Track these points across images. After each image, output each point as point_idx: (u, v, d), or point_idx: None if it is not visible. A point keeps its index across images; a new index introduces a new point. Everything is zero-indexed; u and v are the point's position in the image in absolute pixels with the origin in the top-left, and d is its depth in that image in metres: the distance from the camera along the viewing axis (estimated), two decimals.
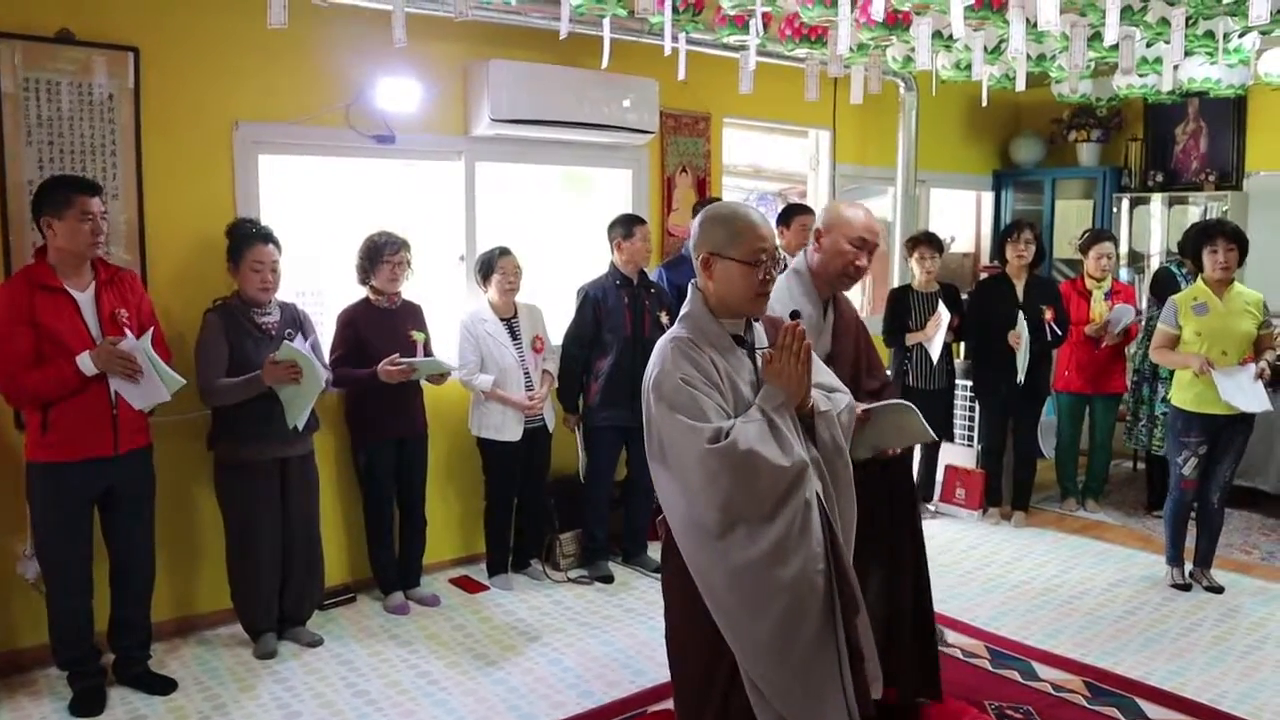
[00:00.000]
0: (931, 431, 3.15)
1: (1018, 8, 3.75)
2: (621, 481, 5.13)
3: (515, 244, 4.76)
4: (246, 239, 3.94)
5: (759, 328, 2.53)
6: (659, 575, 4.87)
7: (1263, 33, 4.31)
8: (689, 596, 2.38)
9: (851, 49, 4.64)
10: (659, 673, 3.87)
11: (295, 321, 4.09)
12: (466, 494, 5.03)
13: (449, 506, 5.01)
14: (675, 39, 4.24)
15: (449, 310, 4.92)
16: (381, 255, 4.35)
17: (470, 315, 4.70)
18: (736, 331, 2.44)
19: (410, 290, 4.54)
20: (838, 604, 2.31)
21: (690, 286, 2.48)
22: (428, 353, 4.47)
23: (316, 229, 4.67)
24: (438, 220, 5.04)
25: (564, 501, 5.08)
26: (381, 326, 4.38)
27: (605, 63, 4.14)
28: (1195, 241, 4.77)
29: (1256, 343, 4.61)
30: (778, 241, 5.32)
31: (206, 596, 4.32)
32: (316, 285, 4.69)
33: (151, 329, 3.58)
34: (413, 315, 4.52)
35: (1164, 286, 5.70)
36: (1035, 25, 3.94)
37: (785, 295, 3.14)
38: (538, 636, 4.31)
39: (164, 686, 3.77)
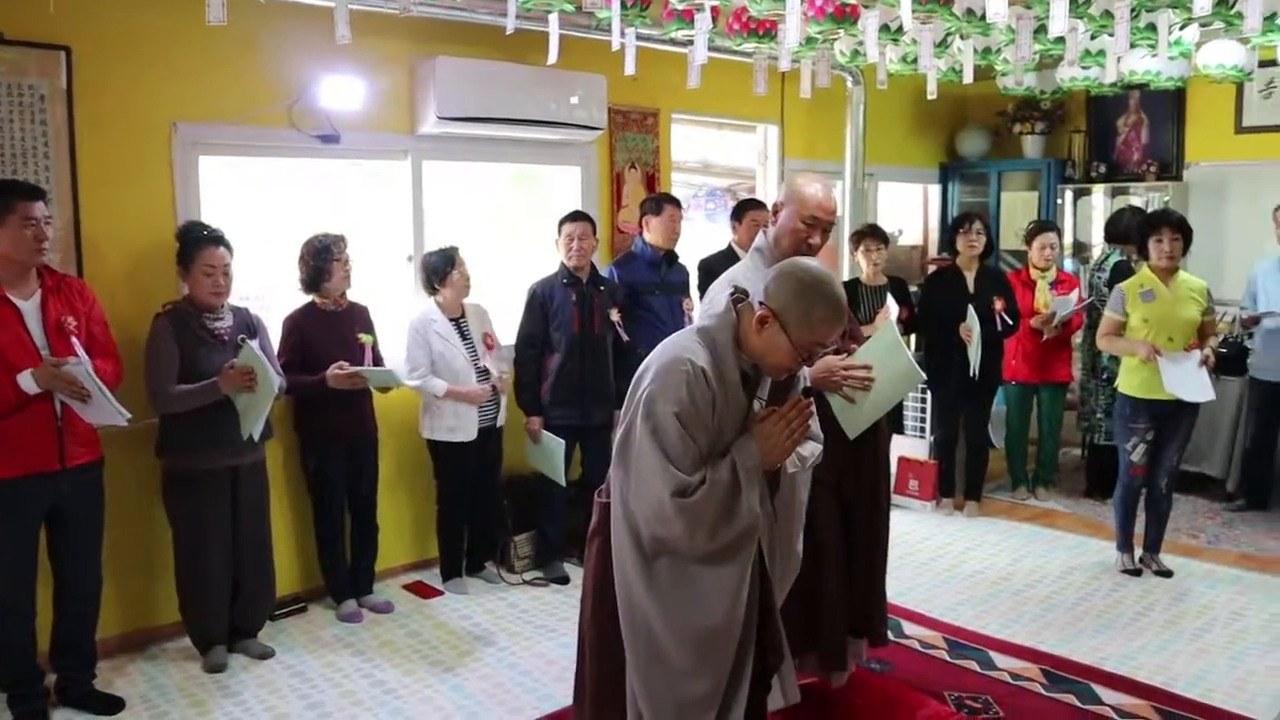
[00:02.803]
0: (920, 370, 3.18)
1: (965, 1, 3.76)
2: (575, 481, 5.09)
3: (464, 244, 4.69)
4: (198, 242, 3.83)
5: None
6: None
7: (1203, 25, 4.37)
8: (608, 580, 2.37)
9: (800, 43, 4.64)
10: None
11: (248, 326, 3.99)
12: (418, 498, 4.96)
13: (400, 511, 4.93)
14: (623, 34, 4.20)
15: (397, 311, 4.83)
16: (332, 255, 4.26)
17: (419, 317, 4.62)
18: (747, 369, 2.36)
19: (356, 292, 4.45)
20: (749, 664, 2.33)
21: (727, 302, 2.36)
22: (376, 355, 4.40)
23: (260, 232, 4.55)
24: (384, 220, 4.95)
25: (518, 503, 5.03)
26: (328, 330, 4.30)
27: (553, 58, 4.09)
28: (1141, 231, 4.83)
29: (1201, 329, 4.68)
30: (732, 237, 5.32)
31: (155, 610, 4.21)
32: (260, 290, 4.59)
33: (89, 357, 3.42)
34: (360, 317, 4.44)
35: (1124, 277, 5.79)
36: (983, 18, 3.98)
37: (749, 274, 3.07)
38: (494, 640, 4.25)
39: (110, 706, 3.66)
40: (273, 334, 4.25)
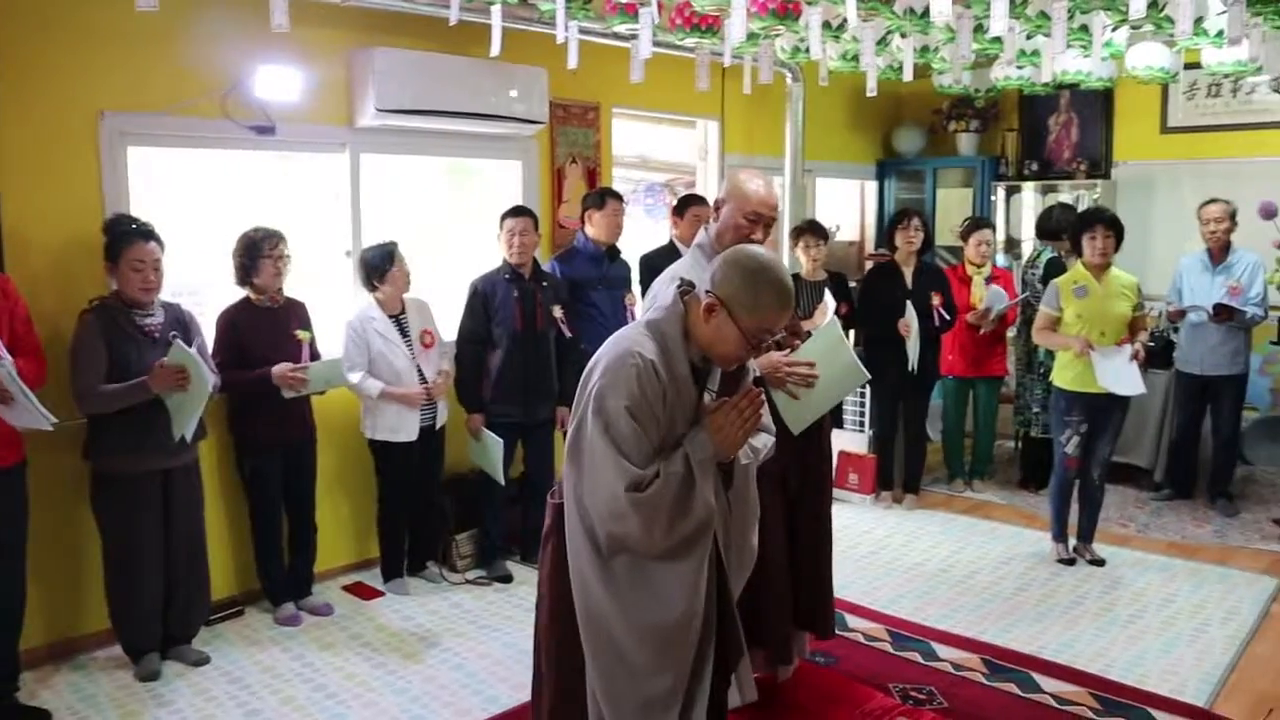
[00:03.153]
0: (863, 367, 3.20)
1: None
2: (518, 478, 5.04)
3: (404, 239, 4.61)
4: (126, 236, 3.70)
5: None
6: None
7: (1133, 27, 4.46)
8: (564, 583, 2.34)
9: (743, 39, 4.64)
10: None
11: (180, 323, 3.87)
12: (357, 497, 4.87)
13: (339, 511, 4.84)
14: (565, 28, 4.16)
15: (335, 307, 4.74)
16: (261, 250, 4.15)
17: (358, 315, 4.54)
18: (696, 361, 2.34)
19: (294, 287, 4.35)
20: (710, 660, 2.32)
21: (674, 294, 2.34)
22: (314, 351, 4.31)
23: (193, 225, 4.43)
24: (321, 214, 4.84)
25: (459, 501, 4.97)
26: (264, 327, 4.20)
27: (496, 50, 4.03)
28: (1075, 228, 4.93)
29: (1132, 324, 4.79)
30: (673, 232, 5.32)
31: (83, 617, 4.06)
32: (194, 285, 4.46)
33: (10, 357, 3.28)
34: (297, 314, 4.34)
35: (1057, 273, 5.93)
36: (923, 16, 4.02)
37: (691, 270, 3.06)
38: (437, 641, 4.19)
39: (34, 719, 3.53)
40: (207, 331, 4.13)
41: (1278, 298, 5.56)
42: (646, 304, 2.87)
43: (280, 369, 4.11)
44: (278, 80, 4.37)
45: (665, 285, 2.65)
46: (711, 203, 3.29)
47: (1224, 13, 4.13)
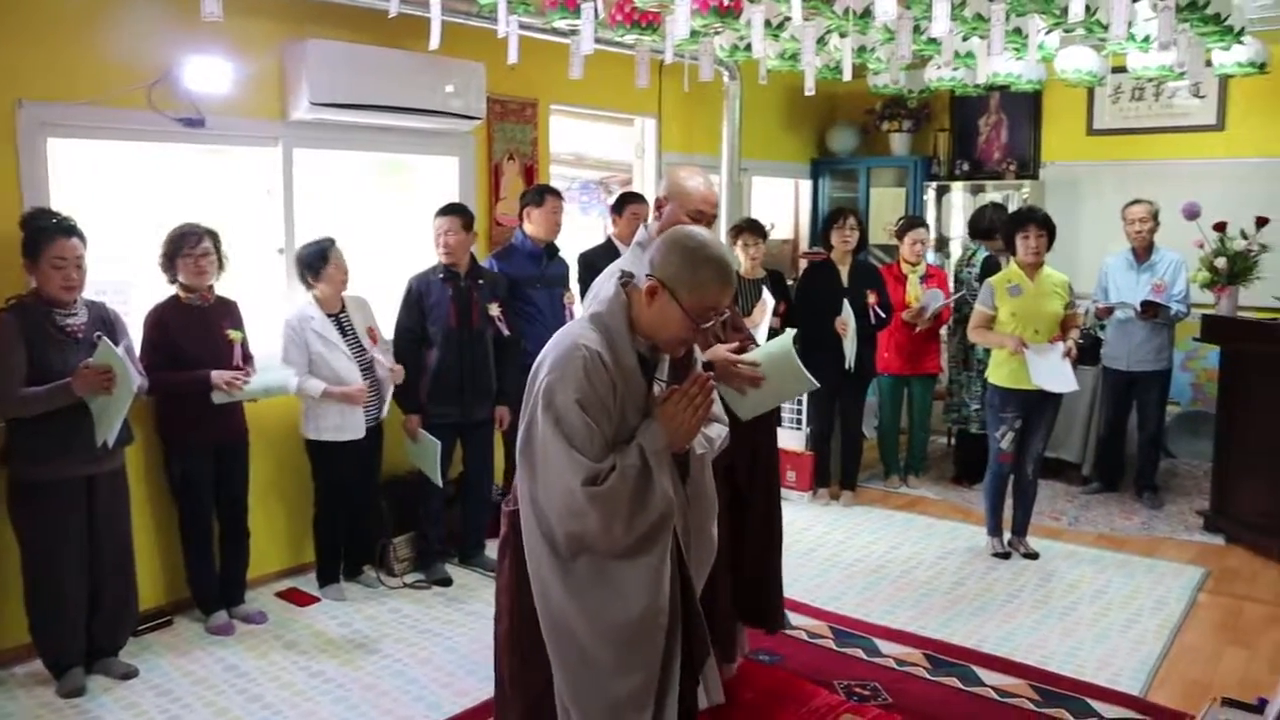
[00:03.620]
0: (812, 378, 3.21)
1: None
2: (456, 479, 4.96)
3: (340, 235, 4.50)
4: (45, 232, 3.53)
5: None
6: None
7: (1066, 31, 4.54)
8: (523, 591, 2.29)
9: (686, 36, 4.62)
10: None
11: (104, 322, 3.71)
12: (291, 500, 4.74)
13: (273, 515, 4.71)
14: (505, 21, 4.10)
15: (268, 306, 4.61)
16: (181, 248, 4.00)
17: (296, 314, 4.42)
18: (644, 351, 2.31)
19: (225, 286, 4.22)
20: (677, 656, 2.29)
21: (616, 285, 2.31)
22: (246, 352, 4.18)
23: (118, 220, 4.26)
24: (254, 210, 4.70)
25: (396, 503, 4.87)
26: (194, 326, 4.06)
27: (435, 43, 3.94)
28: (1009, 228, 5.01)
29: (1064, 322, 4.89)
30: (611, 230, 5.28)
31: (1, 632, 3.88)
32: (119, 283, 4.28)
33: None
34: (228, 313, 4.21)
35: (993, 272, 6.03)
36: (863, 16, 4.04)
37: (629, 266, 3.03)
38: (377, 648, 4.10)
39: None
40: (134, 331, 3.98)
41: (1200, 296, 5.72)
42: (587, 302, 2.83)
43: (219, 375, 3.99)
44: (208, 71, 4.23)
45: (607, 282, 2.61)
46: (652, 201, 3.28)
47: (1153, 19, 4.23)
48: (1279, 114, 6.44)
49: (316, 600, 4.57)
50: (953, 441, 6.69)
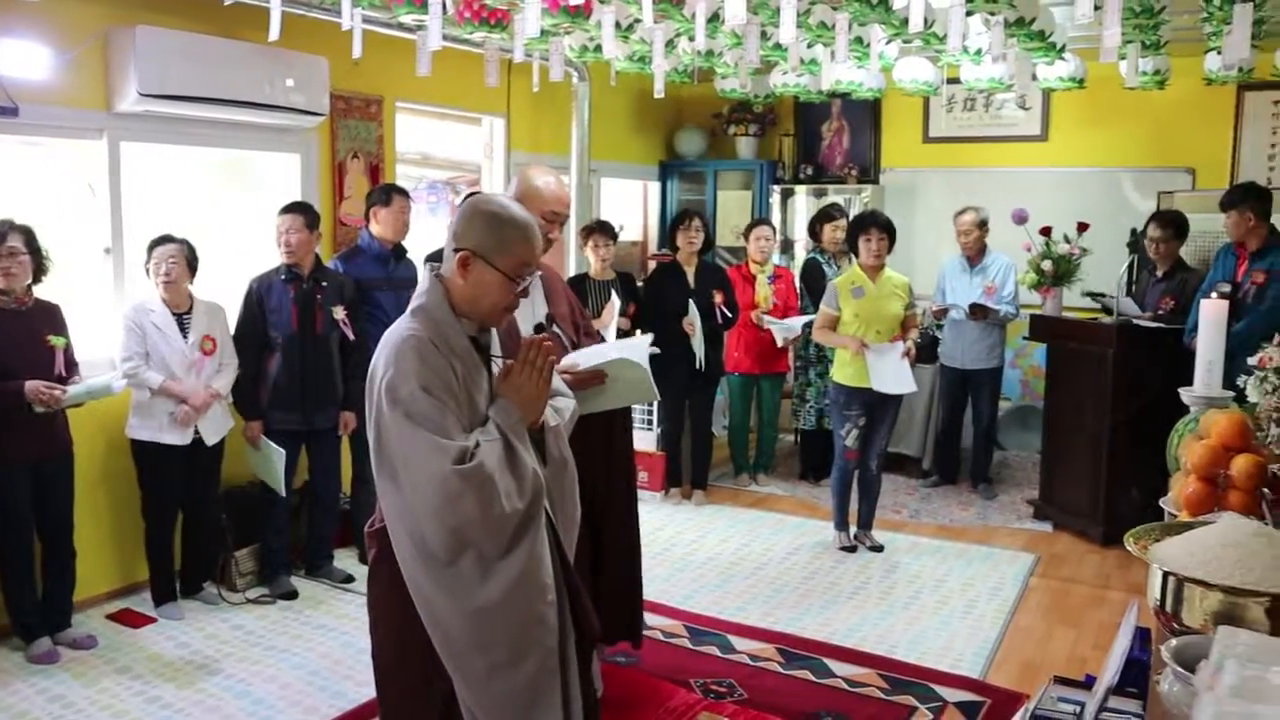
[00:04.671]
0: (656, 390, 3.21)
1: (699, 2, 3.84)
2: (300, 489, 4.79)
3: (175, 235, 4.28)
4: None
5: (494, 331, 2.37)
6: (346, 586, 4.65)
7: (905, 41, 4.71)
8: (404, 613, 2.19)
9: (536, 35, 4.58)
10: (360, 691, 3.64)
11: None
12: (123, 514, 4.46)
13: (102, 531, 4.43)
14: (351, 16, 3.97)
15: (94, 310, 4.34)
16: None
17: (134, 306, 4.20)
18: (473, 334, 2.26)
19: (46, 288, 3.94)
20: (571, 635, 2.27)
21: (429, 277, 2.25)
22: (70, 359, 3.92)
23: None
24: (77, 207, 4.41)
25: (237, 515, 4.66)
26: (10, 332, 3.78)
27: (274, 35, 3.78)
28: (852, 231, 5.17)
29: (904, 322, 5.07)
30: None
31: None
32: None
33: None
34: (49, 317, 3.93)
35: (813, 275, 6.26)
36: (712, 20, 4.09)
37: None
38: (218, 668, 3.91)
39: None
40: None
41: (1029, 297, 6.04)
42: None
43: (33, 386, 3.72)
44: (21, 56, 3.94)
45: (421, 274, 2.52)
46: None
47: (984, 33, 4.44)
48: (1096, 126, 6.87)
49: (152, 620, 4.32)
50: (799, 439, 6.86)
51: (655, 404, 6.19)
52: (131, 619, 4.33)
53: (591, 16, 4.15)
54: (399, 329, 2.19)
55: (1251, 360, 2.61)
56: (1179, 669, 1.51)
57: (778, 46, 4.80)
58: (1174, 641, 1.62)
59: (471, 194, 5.33)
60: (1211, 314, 3.12)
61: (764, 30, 4.51)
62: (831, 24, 4.19)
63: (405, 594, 2.17)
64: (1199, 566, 1.85)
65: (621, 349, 3.28)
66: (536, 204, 3.11)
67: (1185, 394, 3.11)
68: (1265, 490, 2.36)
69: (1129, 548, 2.04)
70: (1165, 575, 1.88)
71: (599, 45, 4.75)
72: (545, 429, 2.31)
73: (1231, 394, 2.91)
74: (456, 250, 2.20)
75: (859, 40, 4.70)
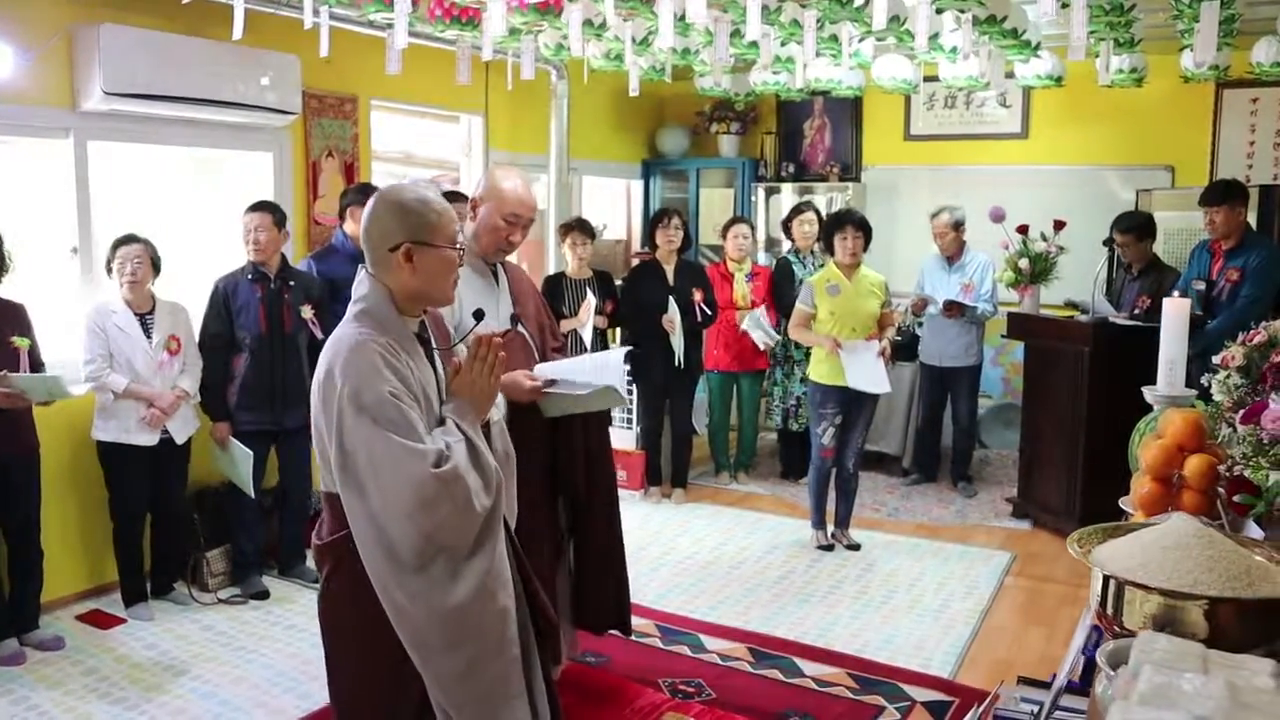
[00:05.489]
0: (624, 397, 3.21)
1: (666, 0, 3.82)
2: (272, 489, 4.77)
3: (146, 234, 4.26)
4: None
5: (426, 323, 2.36)
6: (318, 586, 4.62)
7: (878, 39, 4.70)
8: (369, 625, 2.15)
9: (503, 33, 4.56)
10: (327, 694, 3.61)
11: None
12: (92, 514, 4.43)
13: (69, 531, 4.40)
14: (316, 13, 3.96)
15: (60, 310, 4.31)
16: None
17: (96, 308, 4.18)
18: (414, 329, 2.25)
19: (10, 288, 3.92)
20: (530, 628, 2.28)
21: (366, 280, 2.21)
22: (35, 360, 3.90)
23: None
24: (43, 207, 4.39)
25: (208, 515, 4.64)
26: None
27: (238, 33, 3.76)
28: (828, 229, 5.15)
29: (880, 320, 5.06)
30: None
31: None
32: None
33: None
34: (12, 318, 3.91)
35: (783, 277, 6.26)
36: (681, 18, 4.07)
37: None
38: (186, 669, 3.89)
39: None
40: None
41: (1008, 295, 6.03)
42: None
43: None
44: None
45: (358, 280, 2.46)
46: (469, 201, 3.23)
47: (957, 30, 4.43)
48: (1074, 124, 6.86)
49: (122, 621, 4.30)
50: (779, 438, 6.85)
51: (634, 403, 6.18)
52: (101, 620, 4.31)
53: (562, 14, 4.14)
54: (348, 335, 2.15)
55: (1216, 359, 2.60)
56: (1111, 672, 1.50)
57: (753, 44, 4.78)
58: (1109, 645, 1.61)
59: (448, 193, 5.32)
60: (1174, 312, 3.11)
61: (738, 29, 4.49)
62: (802, 22, 4.18)
63: (366, 606, 2.14)
64: (1139, 568, 1.84)
65: (597, 368, 3.24)
66: (498, 205, 3.11)
67: (1149, 393, 3.09)
68: (1221, 490, 2.35)
69: (1071, 551, 2.03)
70: (1105, 578, 1.87)
71: (570, 43, 4.73)
72: (490, 424, 2.32)
73: (1195, 393, 2.89)
74: (394, 248, 2.17)
75: (834, 38, 4.69)
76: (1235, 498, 2.28)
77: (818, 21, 4.17)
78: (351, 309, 2.21)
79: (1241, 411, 2.31)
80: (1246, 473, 2.21)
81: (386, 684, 2.21)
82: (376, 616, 2.13)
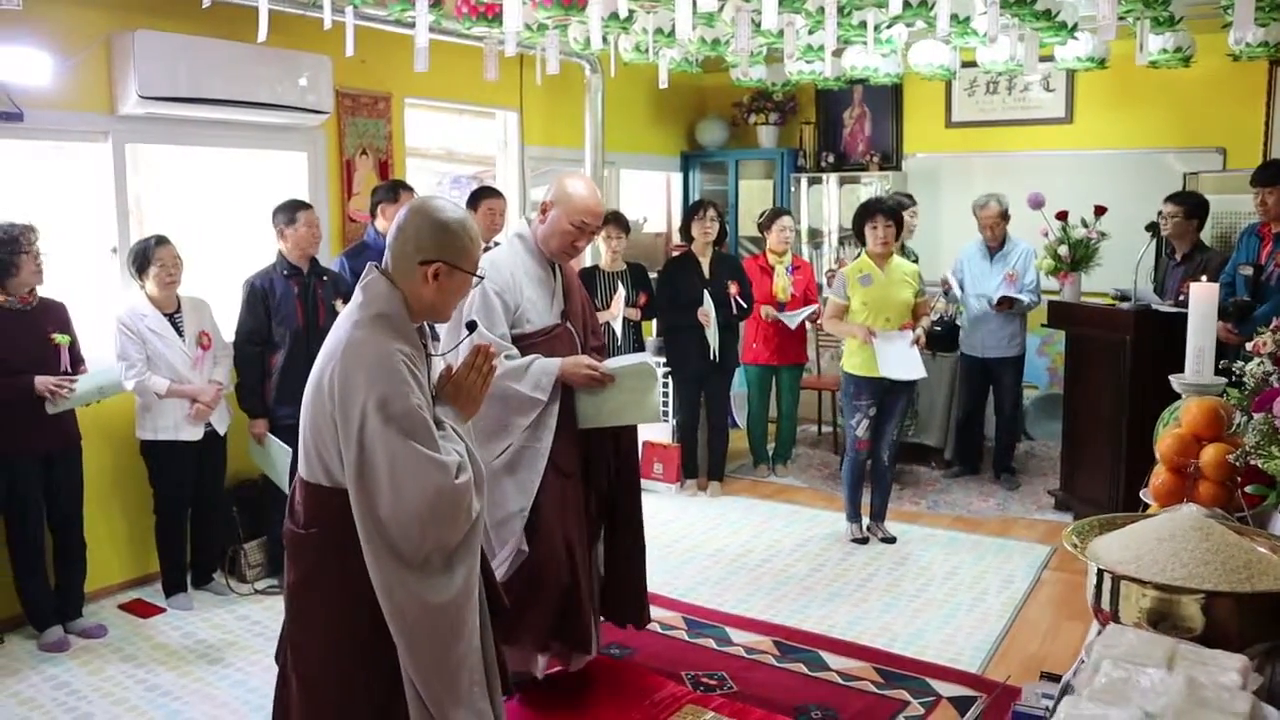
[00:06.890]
0: (660, 413, 3.27)
1: None
2: None
3: (179, 234, 4.36)
4: None
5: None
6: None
7: (908, 24, 4.62)
8: (352, 609, 2.20)
9: (530, 28, 4.58)
10: None
11: None
12: (134, 507, 4.56)
13: (114, 524, 4.53)
14: (342, 13, 4.00)
15: (100, 308, 4.43)
16: (19, 247, 3.81)
17: (128, 311, 4.26)
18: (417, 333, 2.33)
19: (51, 287, 4.04)
20: (485, 606, 2.38)
21: (382, 283, 2.22)
22: (75, 356, 4.02)
23: None
24: (84, 208, 4.51)
25: (247, 508, 4.74)
26: (15, 331, 3.88)
27: (263, 35, 3.82)
28: (858, 218, 5.09)
29: (914, 309, 5.00)
30: None
31: None
32: None
33: None
34: (55, 316, 4.03)
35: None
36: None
37: (511, 257, 3.28)
38: (220, 658, 3.97)
39: None
40: None
41: (1047, 283, 5.91)
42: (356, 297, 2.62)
43: (43, 381, 3.82)
44: (24, 63, 4.02)
45: (369, 280, 2.46)
46: (539, 205, 3.36)
47: (985, 13, 4.34)
48: (1120, 107, 6.69)
49: (162, 611, 4.42)
50: (823, 429, 6.79)
51: (670, 396, 6.17)
52: (142, 609, 4.43)
53: (587, 8, 4.14)
54: (371, 340, 2.15)
55: (1249, 346, 2.51)
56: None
57: (780, 34, 4.74)
58: (1094, 639, 1.58)
59: (481, 188, 5.36)
60: (1201, 297, 3.02)
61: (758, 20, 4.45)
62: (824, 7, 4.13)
63: (351, 594, 2.18)
64: (1134, 562, 1.80)
65: (633, 362, 3.37)
66: (568, 210, 3.27)
67: (1176, 381, 3.00)
68: (1238, 480, 2.28)
69: (1066, 545, 1.99)
70: (1100, 572, 1.83)
71: (604, 36, 4.73)
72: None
73: (1224, 381, 2.80)
74: (425, 262, 2.21)
75: (862, 25, 4.62)
76: (1247, 488, 2.21)
77: (842, 8, 4.13)
78: (365, 310, 2.20)
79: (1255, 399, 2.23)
80: (1259, 462, 2.14)
81: (367, 654, 2.24)
82: (358, 603, 2.18)
